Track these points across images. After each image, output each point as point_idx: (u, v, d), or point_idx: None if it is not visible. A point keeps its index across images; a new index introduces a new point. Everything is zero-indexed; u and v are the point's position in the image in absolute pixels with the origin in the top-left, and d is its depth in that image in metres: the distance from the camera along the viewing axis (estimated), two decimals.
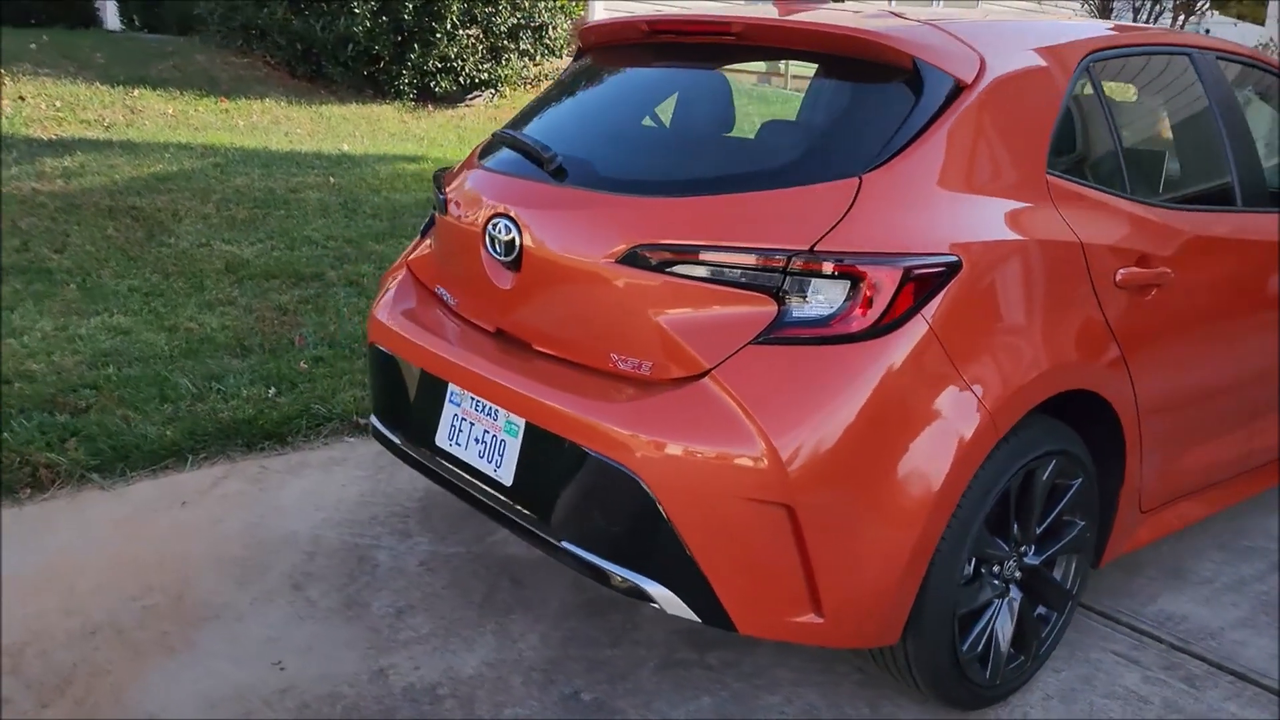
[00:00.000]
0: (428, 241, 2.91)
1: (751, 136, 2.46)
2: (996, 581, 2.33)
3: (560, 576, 2.89)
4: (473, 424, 2.46)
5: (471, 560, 2.97)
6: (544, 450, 2.26)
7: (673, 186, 2.20)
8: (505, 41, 10.34)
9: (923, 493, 2.01)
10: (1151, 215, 2.54)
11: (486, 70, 10.32)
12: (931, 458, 2.02)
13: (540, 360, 2.38)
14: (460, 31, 9.85)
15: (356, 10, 9.26)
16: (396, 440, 2.73)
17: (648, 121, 2.66)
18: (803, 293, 2.02)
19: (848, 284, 2.00)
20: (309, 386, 4.05)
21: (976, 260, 2.08)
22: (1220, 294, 2.72)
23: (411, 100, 10.15)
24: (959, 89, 2.21)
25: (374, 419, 2.88)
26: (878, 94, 2.24)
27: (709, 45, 2.57)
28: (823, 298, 2.02)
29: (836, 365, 1.99)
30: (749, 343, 2.03)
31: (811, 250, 2.01)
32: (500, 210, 2.39)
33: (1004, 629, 2.36)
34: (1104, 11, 13.37)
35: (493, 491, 2.39)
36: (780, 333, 2.02)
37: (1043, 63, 2.39)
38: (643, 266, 2.13)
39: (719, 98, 2.60)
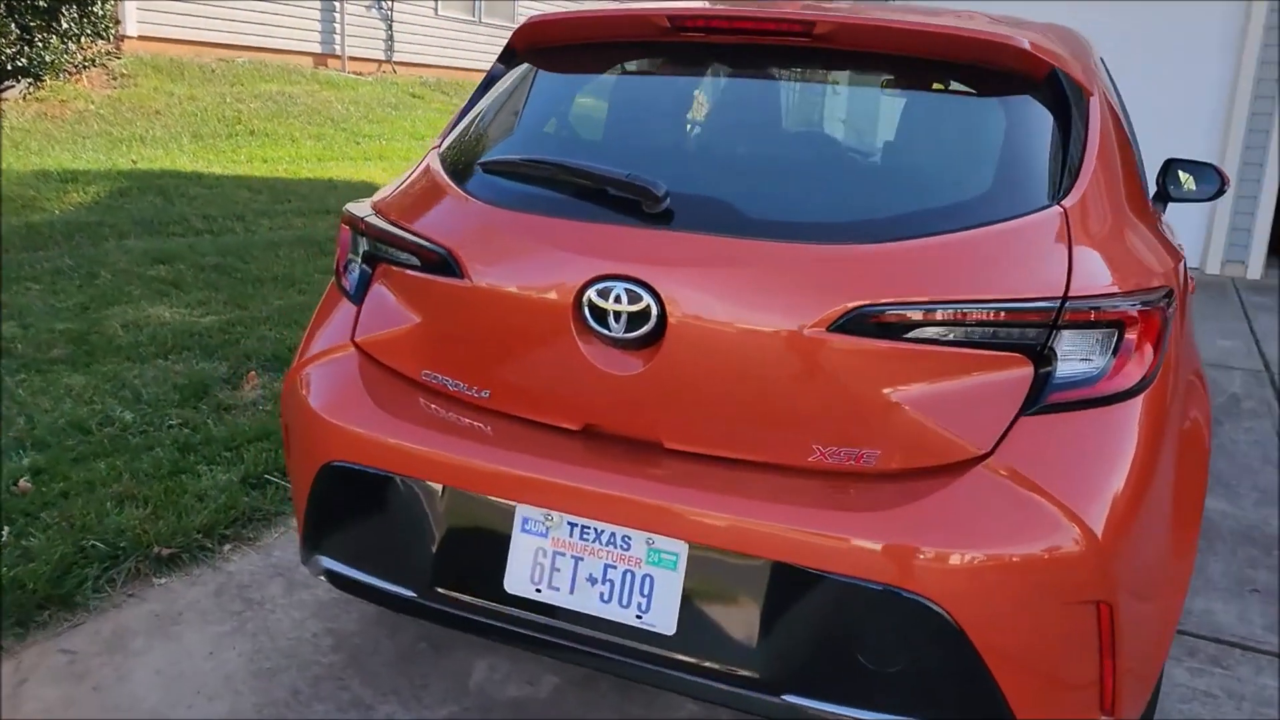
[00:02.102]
0: (376, 310, 2.12)
1: (881, 160, 2.06)
2: None
3: (599, 714, 2.30)
4: (579, 559, 1.83)
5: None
6: (732, 582, 1.73)
7: (867, 229, 1.76)
8: (41, 20, 8.37)
9: (1192, 550, 1.83)
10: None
11: (22, 55, 8.28)
12: (1195, 511, 1.84)
13: (676, 462, 1.81)
14: None
15: None
16: (408, 593, 1.96)
17: (708, 138, 2.14)
18: (1063, 348, 1.71)
19: (1112, 333, 1.73)
20: (56, 515, 2.88)
21: (1173, 291, 1.92)
22: None
23: None
24: (1086, 98, 2.02)
25: (335, 564, 2.06)
26: (1025, 108, 1.97)
27: (747, 47, 2.12)
28: (1083, 351, 1.73)
29: (1119, 429, 1.71)
30: (1019, 415, 1.69)
31: (1067, 297, 1.70)
32: (613, 272, 1.77)
33: None
34: None
35: (637, 645, 1.78)
36: (1052, 398, 1.70)
37: (1098, 65, 2.29)
38: (866, 333, 1.68)
39: (806, 111, 2.15)
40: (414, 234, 2.03)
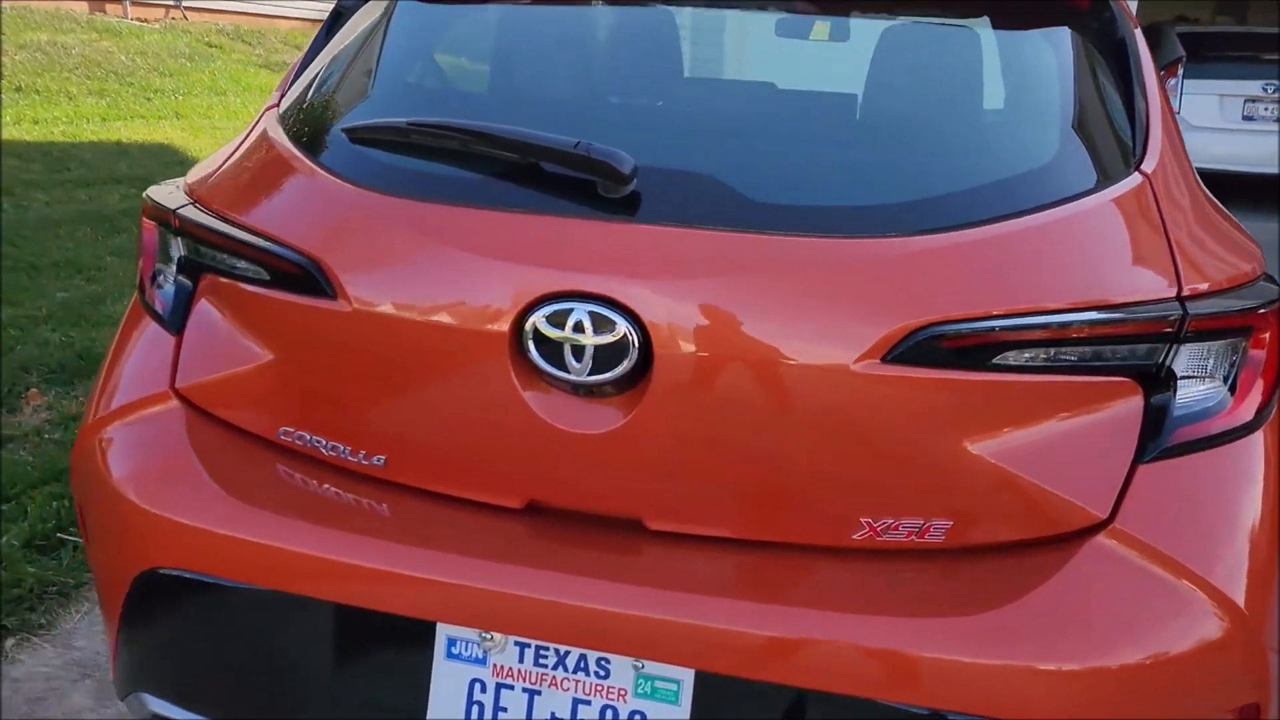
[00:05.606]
0: (204, 341, 1.49)
1: (919, 121, 1.55)
2: None
3: None
4: (535, 693, 1.29)
5: None
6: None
7: (919, 214, 1.26)
8: None
9: None
10: None
11: None
12: None
13: (664, 550, 1.30)
14: None
15: None
16: None
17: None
18: (1183, 368, 1.28)
19: (1236, 344, 1.31)
20: None
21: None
22: None
23: None
24: (1135, 29, 1.60)
25: (168, 707, 1.45)
26: (1077, 45, 1.52)
27: None
28: (1203, 371, 1.30)
29: (1244, 474, 1.30)
30: (1136, 462, 1.25)
31: (1183, 297, 1.27)
32: (572, 288, 1.22)
33: None
34: None
35: None
36: (1175, 437, 1.26)
37: None
38: (934, 362, 1.20)
39: (812, 56, 1.62)
40: (256, 234, 1.41)
